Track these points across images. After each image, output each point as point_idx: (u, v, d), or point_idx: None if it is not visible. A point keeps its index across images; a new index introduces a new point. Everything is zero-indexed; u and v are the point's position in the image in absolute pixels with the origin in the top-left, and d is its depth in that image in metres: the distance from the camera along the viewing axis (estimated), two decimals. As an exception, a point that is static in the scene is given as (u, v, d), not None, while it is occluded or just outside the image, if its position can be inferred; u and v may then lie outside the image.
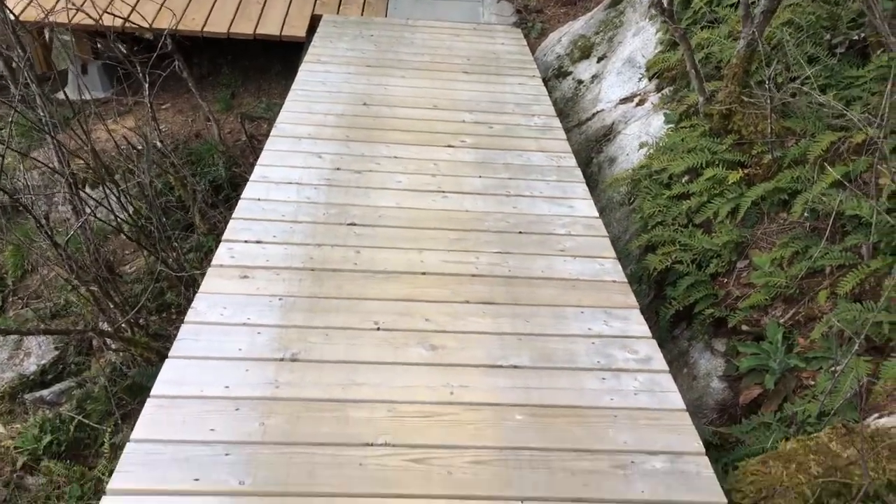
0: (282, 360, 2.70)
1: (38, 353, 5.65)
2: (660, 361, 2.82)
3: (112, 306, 4.87)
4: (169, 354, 2.67)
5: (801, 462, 2.58)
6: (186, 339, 2.76)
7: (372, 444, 2.37)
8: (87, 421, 4.75)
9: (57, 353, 5.62)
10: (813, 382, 3.06)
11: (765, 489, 2.54)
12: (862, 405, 2.80)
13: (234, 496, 2.17)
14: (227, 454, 2.30)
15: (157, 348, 4.76)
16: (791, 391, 3.14)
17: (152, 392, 2.50)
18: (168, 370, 2.60)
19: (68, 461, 4.50)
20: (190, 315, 2.88)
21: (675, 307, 3.70)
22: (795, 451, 2.64)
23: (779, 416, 3.03)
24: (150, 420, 2.40)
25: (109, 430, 4.48)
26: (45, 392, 5.20)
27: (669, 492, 2.29)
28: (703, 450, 2.45)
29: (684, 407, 2.62)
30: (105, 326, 4.92)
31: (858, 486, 2.47)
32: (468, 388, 2.63)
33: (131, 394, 4.66)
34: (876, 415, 2.77)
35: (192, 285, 4.95)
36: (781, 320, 3.33)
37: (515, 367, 2.75)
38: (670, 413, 2.59)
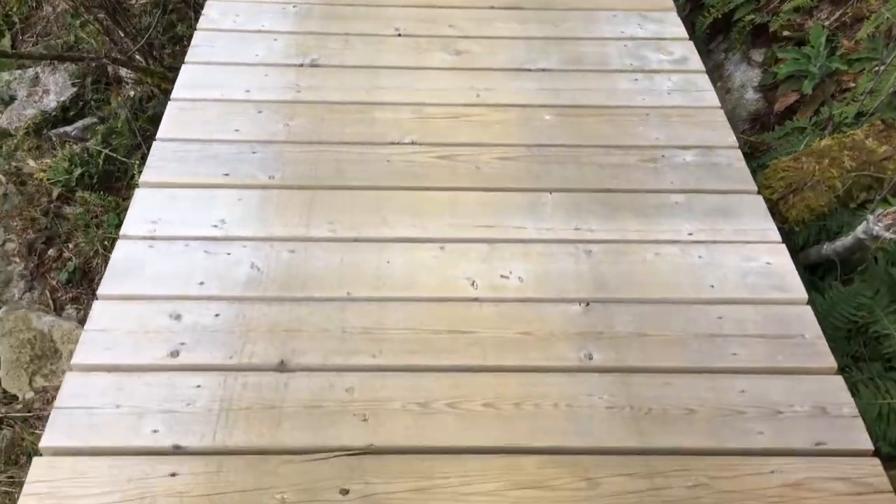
0: (301, 65, 2.61)
1: (55, 89, 5.55)
2: (696, 62, 2.70)
3: (123, 35, 4.71)
4: (185, 60, 2.58)
5: (834, 157, 2.53)
6: (201, 46, 2.65)
7: (398, 143, 2.34)
8: (114, 154, 4.76)
9: (75, 89, 5.51)
10: (853, 85, 2.93)
11: (795, 183, 2.52)
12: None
13: (264, 189, 2.18)
14: (254, 152, 2.28)
15: (172, 79, 4.65)
16: (829, 96, 3.03)
17: (172, 95, 2.45)
18: (186, 74, 2.53)
19: (101, 192, 4.58)
20: (202, 22, 2.75)
21: (714, 15, 3.48)
22: (830, 147, 2.58)
23: (814, 120, 2.94)
24: (174, 121, 2.37)
25: (137, 162, 4.50)
26: (68, 128, 5.17)
27: (700, 182, 2.27)
28: (737, 144, 2.40)
29: (719, 104, 2.54)
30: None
31: (890, 179, 2.44)
32: (495, 91, 2.54)
33: (153, 125, 4.62)
34: (918, 112, 2.68)
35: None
36: (826, 23, 3.13)
37: (544, 70, 2.64)
38: (705, 110, 2.51)
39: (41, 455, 1.63)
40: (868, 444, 1.70)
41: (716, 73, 3.64)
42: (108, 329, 1.84)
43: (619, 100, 2.53)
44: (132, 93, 5.27)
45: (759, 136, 3.16)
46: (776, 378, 1.81)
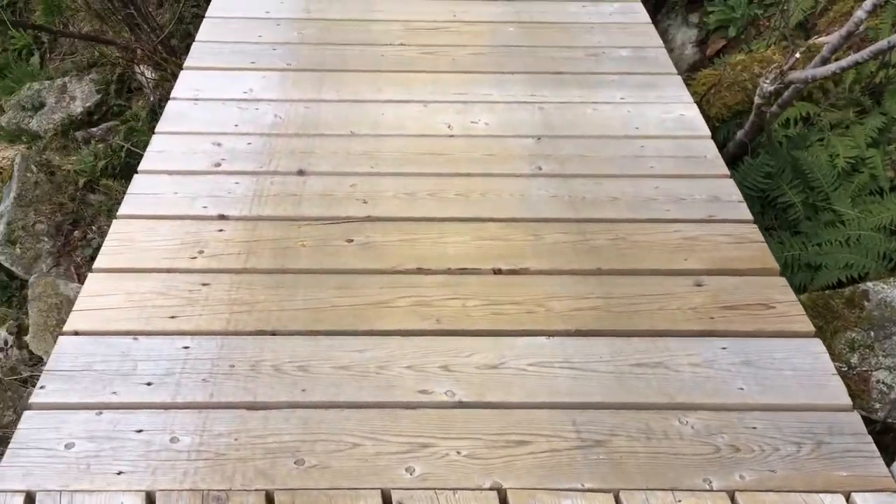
0: (310, -6, 3.20)
1: (81, 97, 6.13)
2: (634, -6, 3.31)
3: (148, 29, 5.34)
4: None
5: (746, 66, 3.12)
6: (228, -16, 3.23)
7: (390, 45, 2.93)
8: (135, 149, 5.32)
9: (99, 96, 6.10)
10: (768, 24, 3.55)
11: (714, 85, 3.10)
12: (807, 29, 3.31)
13: (283, 71, 2.76)
14: (274, 49, 2.86)
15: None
16: (751, 38, 3.64)
17: (206, 14, 3.04)
18: (217, 2, 3.11)
19: (123, 181, 5.09)
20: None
21: (656, -15, 4.12)
22: (743, 60, 3.18)
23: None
24: (208, 32, 2.96)
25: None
26: (93, 129, 5.73)
27: (632, 68, 2.85)
28: (662, 45, 2.99)
29: (650, 22, 3.14)
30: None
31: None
32: (468, 13, 3.15)
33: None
34: (816, 35, 3.28)
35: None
36: (747, -20, 3.77)
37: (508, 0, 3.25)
38: (638, 25, 3.11)
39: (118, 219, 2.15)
40: (748, 216, 2.22)
41: (662, 37, 4.27)
42: (165, 150, 2.38)
43: (569, 18, 3.13)
44: (151, 98, 5.87)
45: (693, 75, 3.76)
46: (682, 180, 2.35)
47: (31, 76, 6.25)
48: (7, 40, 6.21)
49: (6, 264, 3.96)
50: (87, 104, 6.10)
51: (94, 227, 5.07)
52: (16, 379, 3.71)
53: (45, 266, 4.70)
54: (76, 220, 5.00)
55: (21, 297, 4.30)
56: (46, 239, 4.84)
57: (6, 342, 3.92)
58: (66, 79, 6.27)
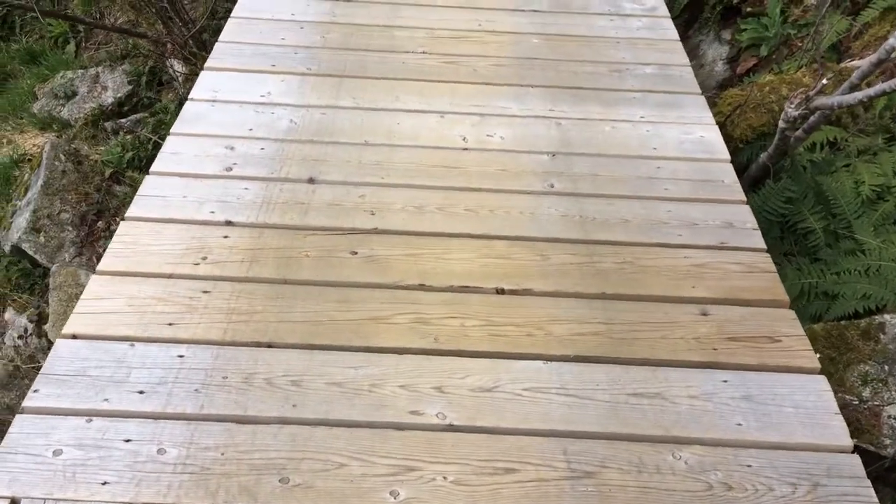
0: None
1: (113, 87, 6.20)
2: (663, 10, 3.26)
3: (180, 23, 5.38)
4: (242, -8, 3.18)
5: (774, 87, 3.06)
6: (255, -15, 3.24)
7: (412, 52, 2.91)
8: (162, 142, 5.35)
9: (130, 87, 6.16)
10: (801, 45, 3.47)
11: (740, 104, 3.04)
12: (840, 52, 3.23)
13: (302, 75, 2.75)
14: (296, 53, 2.86)
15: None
16: (783, 58, 3.57)
17: (232, 15, 3.04)
18: (243, 1, 3.12)
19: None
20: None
21: (689, -1, 4.06)
22: (772, 81, 3.11)
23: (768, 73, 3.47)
24: (232, 32, 2.96)
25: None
26: (122, 120, 5.79)
27: (655, 85, 2.80)
28: (688, 63, 2.93)
29: (678, 38, 3.08)
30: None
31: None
32: (493, 22, 3.12)
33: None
34: (849, 59, 3.21)
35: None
36: (782, -2, 3.69)
37: (535, 10, 3.22)
38: (665, 42, 3.06)
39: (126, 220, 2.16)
40: (762, 245, 2.17)
41: (692, 53, 4.20)
42: (178, 152, 2.39)
43: (596, 32, 3.09)
44: (180, 91, 5.92)
45: (720, 93, 3.69)
46: (697, 204, 2.30)
47: (66, 65, 6.32)
48: (44, 28, 6.29)
49: (30, 252, 4.01)
50: (119, 95, 6.15)
51: (117, 219, 5.09)
52: (34, 367, 3.74)
53: (68, 255, 4.74)
54: (100, 210, 5.05)
55: (43, 285, 4.35)
56: (70, 228, 4.88)
57: (26, 330, 3.97)
58: (100, 69, 6.32)
